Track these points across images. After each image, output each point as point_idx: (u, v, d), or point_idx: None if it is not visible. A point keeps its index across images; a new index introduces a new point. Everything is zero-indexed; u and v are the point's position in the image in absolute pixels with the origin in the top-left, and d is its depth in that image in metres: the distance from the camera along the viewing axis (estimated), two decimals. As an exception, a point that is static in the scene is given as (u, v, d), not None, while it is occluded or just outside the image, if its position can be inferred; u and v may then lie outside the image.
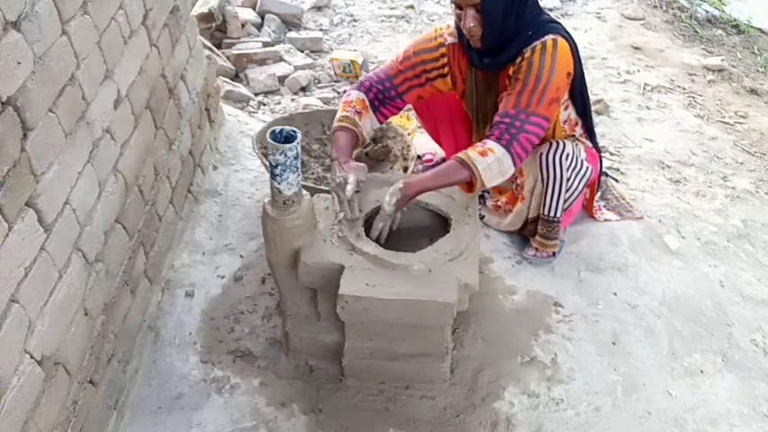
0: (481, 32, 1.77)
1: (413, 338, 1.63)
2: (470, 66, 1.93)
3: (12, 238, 1.11)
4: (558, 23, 1.88)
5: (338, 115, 1.90)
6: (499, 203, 2.24)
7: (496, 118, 1.79)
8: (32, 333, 1.19)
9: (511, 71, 1.82)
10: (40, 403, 1.22)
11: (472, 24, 1.75)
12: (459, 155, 1.75)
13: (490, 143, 1.74)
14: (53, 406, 1.28)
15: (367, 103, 1.94)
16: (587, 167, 2.01)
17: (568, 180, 1.96)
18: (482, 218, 2.25)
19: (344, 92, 3.23)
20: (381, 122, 2.02)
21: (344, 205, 1.69)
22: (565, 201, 2.00)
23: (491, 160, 1.71)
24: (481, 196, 2.33)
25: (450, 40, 1.93)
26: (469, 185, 1.77)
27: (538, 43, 1.78)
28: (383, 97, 1.96)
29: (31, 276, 1.18)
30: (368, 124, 1.94)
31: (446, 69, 1.96)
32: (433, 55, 1.94)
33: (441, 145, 2.39)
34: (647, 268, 2.18)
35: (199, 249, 2.10)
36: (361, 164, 1.80)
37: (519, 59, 1.80)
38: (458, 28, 1.88)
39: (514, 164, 1.75)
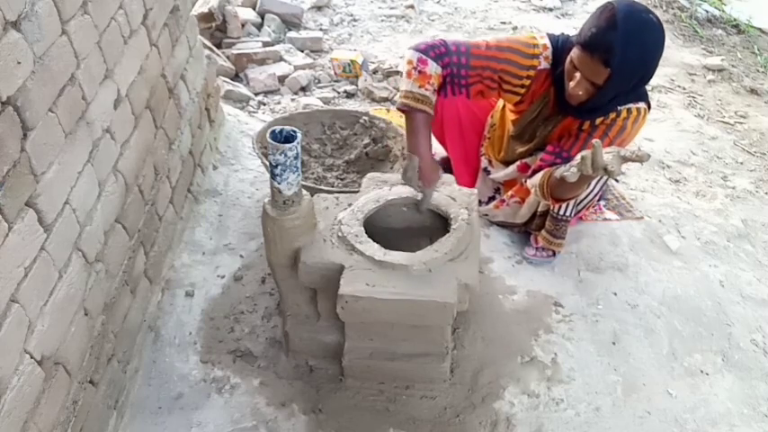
0: (585, 99, 1.76)
1: (413, 338, 1.63)
2: (545, 95, 1.90)
3: (12, 238, 1.11)
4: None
5: (413, 90, 1.70)
6: (504, 198, 2.23)
7: (555, 151, 1.89)
8: (32, 333, 1.19)
9: (598, 120, 1.83)
10: (40, 403, 1.22)
11: (581, 92, 1.73)
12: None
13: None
14: (53, 406, 1.27)
15: (441, 79, 1.78)
16: None
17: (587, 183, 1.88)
18: (485, 215, 2.25)
19: (344, 91, 3.25)
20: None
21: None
22: (579, 202, 1.99)
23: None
24: (491, 199, 2.33)
25: (543, 65, 1.84)
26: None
27: (633, 107, 1.81)
28: (450, 81, 1.82)
29: (31, 276, 1.18)
30: None
31: (522, 90, 1.88)
32: (520, 72, 1.84)
33: (444, 146, 2.38)
34: (647, 268, 2.18)
35: (199, 249, 2.10)
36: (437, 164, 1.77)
37: (612, 115, 1.81)
38: (554, 55, 1.82)
39: None
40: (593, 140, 1.55)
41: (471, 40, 1.85)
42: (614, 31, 1.60)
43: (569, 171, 1.64)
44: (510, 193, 2.19)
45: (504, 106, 2.15)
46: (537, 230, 2.10)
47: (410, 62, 1.75)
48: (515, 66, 1.83)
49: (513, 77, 1.84)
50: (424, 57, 1.74)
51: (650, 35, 1.65)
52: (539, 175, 1.90)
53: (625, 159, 1.54)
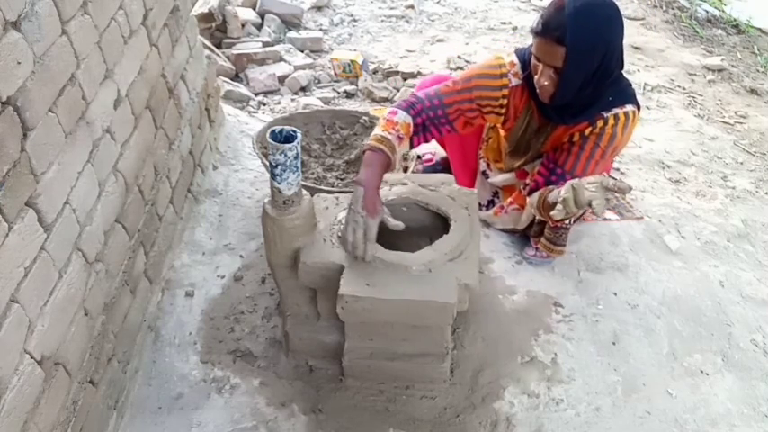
0: (553, 91, 1.75)
1: (413, 338, 1.63)
2: (527, 107, 1.91)
3: (12, 238, 1.11)
4: (632, 86, 1.90)
5: (377, 133, 1.76)
6: (503, 205, 2.23)
7: (549, 166, 1.89)
8: (32, 333, 1.19)
9: (587, 131, 1.83)
10: (40, 403, 1.22)
11: (546, 83, 1.73)
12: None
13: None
14: (53, 406, 1.28)
15: (411, 129, 1.83)
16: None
17: None
18: (483, 221, 2.25)
19: (344, 91, 3.25)
20: (414, 147, 1.94)
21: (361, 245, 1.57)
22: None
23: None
24: (490, 202, 2.33)
25: (514, 82, 1.87)
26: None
27: (620, 112, 1.81)
28: (430, 123, 1.88)
29: (31, 276, 1.18)
30: (401, 151, 1.84)
31: (503, 110, 1.92)
32: (494, 94, 1.88)
33: (443, 146, 2.38)
34: (647, 268, 2.18)
35: (199, 249, 2.10)
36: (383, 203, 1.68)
37: (600, 123, 1.81)
38: (524, 69, 1.85)
39: None
40: (571, 181, 1.61)
41: (441, 85, 1.92)
42: (563, 11, 1.64)
43: (555, 210, 1.71)
44: (509, 200, 2.19)
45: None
46: (536, 237, 2.10)
47: (383, 116, 1.84)
48: (487, 89, 1.88)
49: (489, 100, 1.89)
50: (395, 109, 1.85)
51: (601, 9, 1.68)
52: (535, 196, 1.92)
53: (607, 189, 1.59)
